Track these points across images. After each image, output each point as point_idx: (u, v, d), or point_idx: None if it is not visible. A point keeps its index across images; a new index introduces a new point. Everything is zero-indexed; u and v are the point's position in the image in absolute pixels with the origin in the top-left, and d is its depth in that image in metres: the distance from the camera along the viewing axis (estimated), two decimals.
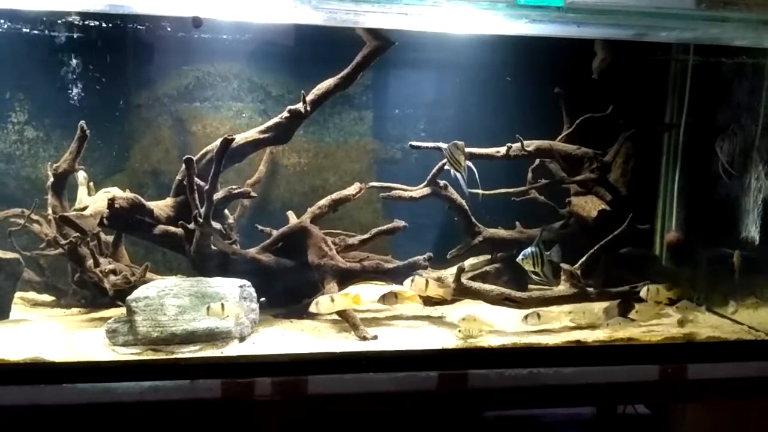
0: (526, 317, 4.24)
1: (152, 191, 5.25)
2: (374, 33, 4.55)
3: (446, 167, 4.34)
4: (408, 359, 3.98)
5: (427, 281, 4.24)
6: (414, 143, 4.81)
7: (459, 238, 5.40)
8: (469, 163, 4.14)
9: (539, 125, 5.29)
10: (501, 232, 5.30)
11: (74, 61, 4.95)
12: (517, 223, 5.36)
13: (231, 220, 4.99)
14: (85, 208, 4.27)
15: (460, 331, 4.12)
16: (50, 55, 4.95)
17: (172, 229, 4.52)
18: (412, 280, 4.24)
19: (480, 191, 4.46)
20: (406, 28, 4.17)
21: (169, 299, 3.99)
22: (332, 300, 4.09)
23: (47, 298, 4.88)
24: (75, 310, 4.72)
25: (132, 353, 3.83)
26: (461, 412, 4.37)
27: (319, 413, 3.95)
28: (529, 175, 5.34)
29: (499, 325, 4.28)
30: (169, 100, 5.31)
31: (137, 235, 4.66)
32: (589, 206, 5.00)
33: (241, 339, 4.07)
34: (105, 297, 4.42)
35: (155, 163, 5.34)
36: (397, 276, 4.53)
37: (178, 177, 4.70)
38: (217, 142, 4.47)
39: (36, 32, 4.81)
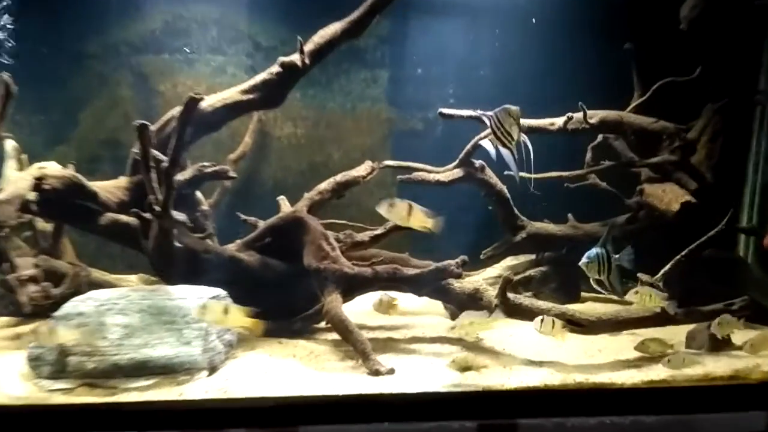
0: (541, 321, 3.28)
1: (108, 166, 4.26)
2: None
3: (489, 141, 3.20)
4: (436, 403, 2.98)
5: (410, 206, 3.19)
6: (444, 110, 3.82)
7: (496, 233, 4.36)
8: (525, 137, 3.04)
9: (602, 91, 4.24)
10: (549, 227, 4.38)
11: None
12: (570, 215, 4.32)
13: (205, 207, 3.97)
14: None
15: (453, 361, 3.13)
16: None
17: (123, 218, 3.51)
18: (391, 205, 3.19)
19: (531, 174, 3.37)
20: None
21: (113, 317, 3.07)
22: (225, 311, 2.98)
23: None
24: (2, 320, 3.69)
25: (60, 390, 2.89)
26: None
27: None
28: (588, 154, 4.32)
29: (553, 355, 3.40)
30: (130, 50, 4.31)
31: (77, 225, 3.65)
32: (669, 197, 4.00)
33: (212, 370, 3.10)
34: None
35: (112, 130, 4.33)
36: (419, 285, 3.52)
37: (135, 150, 3.64)
38: None
39: None
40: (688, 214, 3.89)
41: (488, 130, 3.20)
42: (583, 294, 4.57)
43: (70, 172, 3.40)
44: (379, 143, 4.62)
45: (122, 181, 3.72)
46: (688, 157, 4.02)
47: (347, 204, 4.32)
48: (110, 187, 3.61)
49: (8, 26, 3.76)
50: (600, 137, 4.28)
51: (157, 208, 3.12)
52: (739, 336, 3.73)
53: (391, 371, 3.13)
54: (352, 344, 3.31)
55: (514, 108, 3.01)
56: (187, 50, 4.05)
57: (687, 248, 3.58)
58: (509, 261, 4.49)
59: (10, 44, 3.77)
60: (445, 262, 3.51)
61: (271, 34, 4.39)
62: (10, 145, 3.65)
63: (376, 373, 3.12)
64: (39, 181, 3.24)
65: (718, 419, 3.12)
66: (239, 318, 3.01)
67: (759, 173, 4.48)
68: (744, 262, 4.44)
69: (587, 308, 4.33)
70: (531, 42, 4.38)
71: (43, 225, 3.88)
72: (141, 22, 4.25)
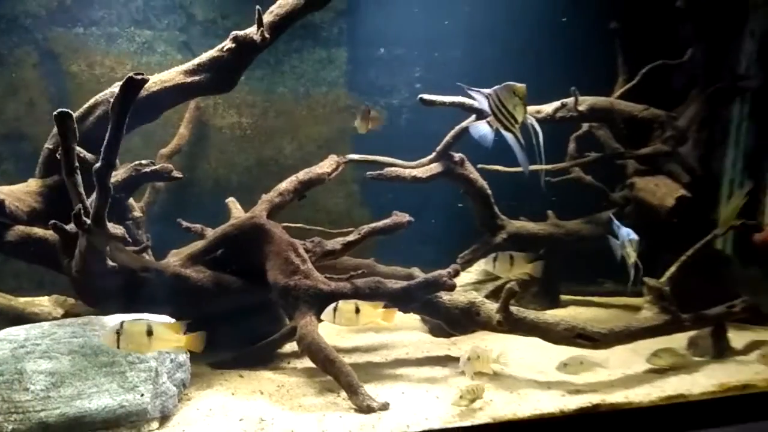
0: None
1: (10, 165, 3.55)
2: None
3: (488, 124, 2.76)
4: None
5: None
6: (426, 96, 3.39)
7: (470, 233, 4.05)
8: (533, 120, 2.67)
9: (583, 74, 3.95)
10: (530, 226, 4.12)
11: None
12: (550, 212, 4.07)
13: (137, 214, 3.37)
14: None
15: (461, 397, 2.75)
16: None
17: (38, 232, 2.88)
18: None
19: (543, 166, 3.02)
20: None
21: (34, 362, 2.47)
22: (149, 332, 2.41)
23: None
24: None
25: None
26: None
27: None
28: (572, 145, 4.05)
29: (557, 373, 3.12)
30: (34, 22, 3.64)
31: None
32: (662, 191, 3.79)
33: (163, 419, 2.57)
34: None
35: (13, 121, 3.64)
36: (406, 300, 3.12)
37: (48, 145, 3.11)
38: (115, 88, 2.86)
39: None
40: (683, 209, 3.69)
41: (489, 117, 2.79)
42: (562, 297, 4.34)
43: None
44: (338, 134, 4.17)
45: (32, 184, 3.08)
46: (678, 147, 3.83)
47: (301, 205, 3.84)
48: (19, 193, 2.96)
49: None
50: (585, 126, 3.99)
51: (87, 221, 2.52)
52: (739, 340, 3.62)
53: (385, 406, 2.73)
54: (334, 376, 2.88)
55: (519, 86, 2.61)
56: (157, 50, 3.39)
57: (693, 249, 3.35)
58: (484, 264, 4.14)
59: None
60: (436, 273, 3.13)
61: (209, 4, 3.83)
62: None
63: (367, 409, 2.72)
64: None
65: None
66: (169, 337, 2.46)
67: (737, 166, 4.39)
68: (729, 259, 4.33)
69: (572, 314, 4.11)
70: (511, 20, 4.02)
71: None
72: None
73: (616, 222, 3.11)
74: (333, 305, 2.88)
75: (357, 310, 2.90)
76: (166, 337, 2.42)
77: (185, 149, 3.87)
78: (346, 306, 2.89)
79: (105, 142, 2.47)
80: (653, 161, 3.90)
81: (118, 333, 2.35)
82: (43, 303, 3.59)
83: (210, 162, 4.01)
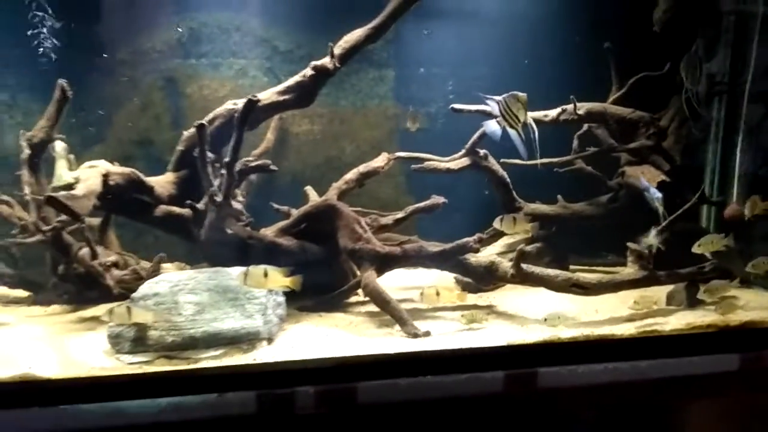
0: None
1: (141, 164, 4.58)
2: None
3: (497, 123, 3.66)
4: (470, 358, 3.50)
5: None
6: (456, 106, 4.26)
7: (491, 214, 4.90)
8: (531, 120, 3.54)
9: (584, 85, 4.79)
10: (543, 208, 4.91)
11: (41, 7, 4.17)
12: (559, 196, 4.90)
13: (241, 198, 4.37)
14: (70, 186, 3.59)
15: (463, 315, 3.73)
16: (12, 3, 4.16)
17: (176, 209, 3.89)
18: None
19: (538, 160, 3.92)
20: None
21: (185, 296, 3.43)
22: (265, 274, 3.32)
23: (21, 293, 4.17)
24: (57, 307, 4.04)
25: (141, 362, 3.24)
26: (532, 416, 3.93)
27: (371, 426, 3.44)
28: (575, 142, 4.88)
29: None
30: (159, 56, 4.64)
31: (135, 218, 4.01)
32: (647, 177, 4.59)
33: (270, 340, 3.51)
34: (96, 293, 3.75)
35: (144, 131, 4.66)
36: (443, 261, 4.02)
37: (180, 147, 4.09)
38: (228, 106, 3.88)
39: None
40: (663, 191, 4.51)
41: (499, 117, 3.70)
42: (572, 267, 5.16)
43: (130, 169, 3.79)
44: (387, 137, 5.03)
45: (169, 176, 4.10)
46: (661, 142, 4.66)
47: (357, 193, 4.74)
48: (161, 182, 4.00)
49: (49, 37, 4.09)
50: (585, 127, 4.84)
51: (218, 199, 3.55)
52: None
53: (428, 333, 3.59)
54: (389, 312, 3.78)
55: (522, 94, 3.42)
56: (249, 74, 4.39)
57: (667, 220, 4.20)
58: (506, 240, 4.97)
59: (54, 45, 4.09)
60: (465, 240, 4.05)
61: (288, 38, 4.75)
62: (60, 146, 3.98)
63: (414, 335, 3.57)
64: (106, 177, 3.61)
65: (697, 361, 3.77)
66: (279, 278, 3.38)
67: (717, 157, 5.21)
68: (706, 231, 5.15)
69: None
70: (525, 44, 4.89)
71: (89, 219, 4.21)
72: (167, 30, 4.59)
73: (647, 184, 4.03)
74: (424, 290, 3.81)
75: (437, 294, 3.84)
76: (276, 278, 3.39)
77: (271, 151, 4.86)
78: (429, 291, 3.81)
79: (231, 144, 3.46)
80: (640, 154, 4.75)
81: (246, 274, 3.40)
82: (170, 268, 4.64)
83: (289, 160, 4.93)
